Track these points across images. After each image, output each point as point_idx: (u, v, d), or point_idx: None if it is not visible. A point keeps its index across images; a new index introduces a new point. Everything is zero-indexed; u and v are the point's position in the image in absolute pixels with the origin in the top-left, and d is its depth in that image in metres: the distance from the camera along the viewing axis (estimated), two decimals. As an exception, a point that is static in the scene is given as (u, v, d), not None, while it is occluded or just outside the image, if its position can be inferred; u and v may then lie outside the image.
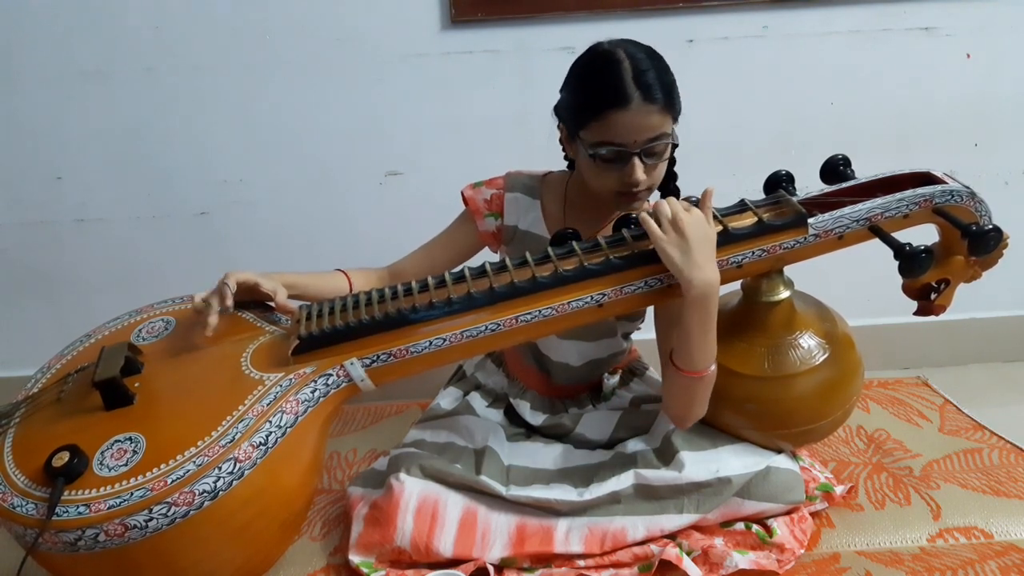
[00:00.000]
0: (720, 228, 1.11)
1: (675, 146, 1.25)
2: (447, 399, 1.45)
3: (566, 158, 1.30)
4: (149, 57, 1.66)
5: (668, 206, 1.08)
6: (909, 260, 1.05)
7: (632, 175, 1.13)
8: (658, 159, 1.15)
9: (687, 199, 1.17)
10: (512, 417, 1.43)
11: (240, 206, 1.79)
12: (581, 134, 1.15)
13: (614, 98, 1.09)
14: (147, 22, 1.64)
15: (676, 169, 1.32)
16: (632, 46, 1.14)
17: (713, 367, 1.14)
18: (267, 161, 1.75)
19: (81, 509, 0.95)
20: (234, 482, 0.99)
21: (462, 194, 1.36)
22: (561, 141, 1.25)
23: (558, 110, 1.21)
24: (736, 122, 1.73)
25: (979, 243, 1.07)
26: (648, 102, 1.09)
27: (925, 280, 1.17)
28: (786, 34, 1.68)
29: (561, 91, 1.20)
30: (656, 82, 1.10)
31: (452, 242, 1.38)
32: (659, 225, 1.07)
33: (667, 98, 1.11)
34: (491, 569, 1.14)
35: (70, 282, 1.86)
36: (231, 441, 1.01)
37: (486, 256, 1.35)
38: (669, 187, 1.33)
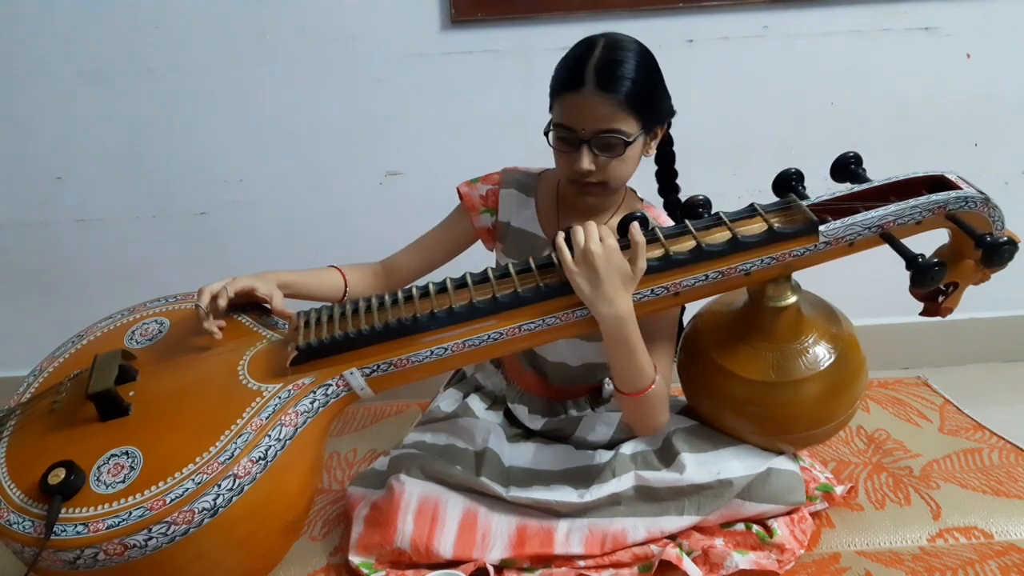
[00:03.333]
0: (661, 252, 1.08)
1: (668, 147, 1.24)
2: (446, 401, 1.45)
3: None
4: (149, 57, 1.66)
5: (581, 234, 1.05)
6: (921, 272, 1.04)
7: (577, 162, 1.12)
8: (610, 154, 1.12)
9: (692, 199, 1.17)
10: (512, 418, 1.42)
11: (239, 206, 1.79)
12: (551, 113, 1.16)
13: (569, 80, 1.10)
14: (147, 22, 1.64)
15: (677, 167, 1.32)
16: (618, 40, 1.12)
17: (655, 384, 1.12)
18: (267, 161, 1.75)
19: (79, 528, 0.94)
20: (234, 498, 0.98)
21: (458, 190, 1.35)
22: None
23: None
24: (736, 122, 1.73)
25: (993, 255, 1.05)
26: (602, 91, 1.08)
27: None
28: (786, 34, 1.68)
29: None
30: (620, 75, 1.08)
31: (446, 237, 1.37)
32: (573, 254, 1.06)
33: (630, 95, 1.08)
34: (491, 570, 1.15)
35: (69, 282, 1.86)
36: (230, 457, 1.00)
37: (482, 257, 1.35)
38: (669, 186, 1.32)
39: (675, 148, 1.29)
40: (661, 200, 1.34)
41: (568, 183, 1.18)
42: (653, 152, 1.22)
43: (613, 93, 1.08)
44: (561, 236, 1.07)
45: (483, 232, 1.36)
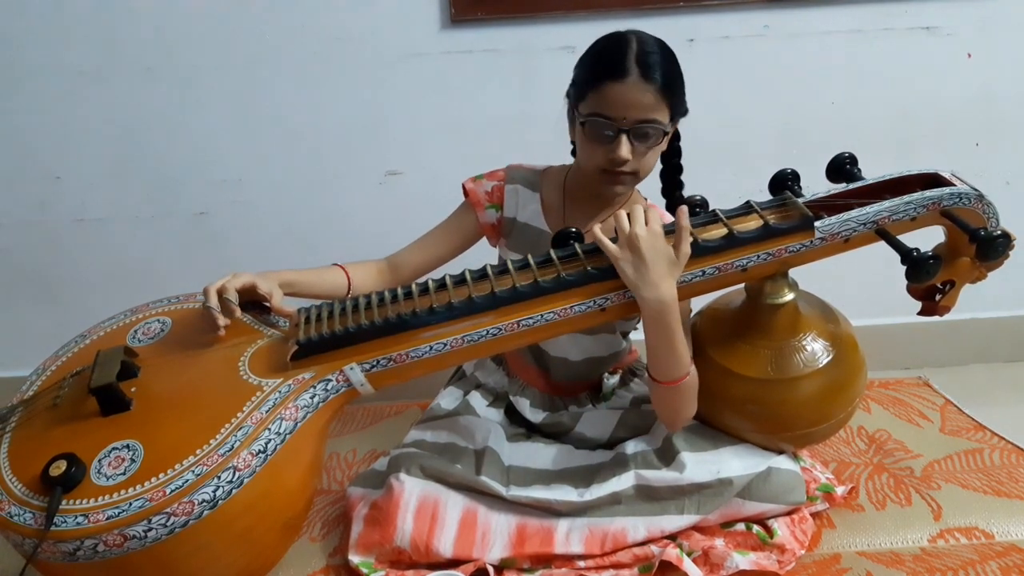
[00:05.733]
0: (692, 240, 1.09)
1: (675, 143, 1.25)
2: (447, 399, 1.45)
3: (573, 151, 1.31)
4: (149, 57, 1.66)
5: (625, 220, 1.07)
6: (916, 266, 1.04)
7: (617, 150, 1.13)
8: (647, 144, 1.15)
9: (689, 199, 1.17)
10: (512, 417, 1.42)
11: (239, 206, 1.79)
12: (580, 107, 1.16)
13: (612, 70, 1.11)
14: (147, 22, 1.64)
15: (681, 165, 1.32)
16: (647, 35, 1.16)
17: (690, 374, 1.14)
18: (266, 161, 1.75)
19: (79, 519, 0.95)
20: (233, 491, 0.99)
21: (463, 186, 1.36)
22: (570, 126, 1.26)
23: (568, 91, 1.22)
24: (737, 121, 1.73)
25: (988, 248, 1.06)
26: (645, 80, 1.10)
27: (931, 282, 1.17)
28: (787, 33, 1.68)
29: (573, 70, 1.21)
30: (658, 66, 1.11)
31: (452, 233, 1.38)
32: (616, 240, 1.07)
33: (666, 85, 1.12)
34: (491, 569, 1.14)
35: (69, 282, 1.86)
36: (230, 450, 1.00)
37: (485, 255, 1.35)
38: (674, 181, 1.33)
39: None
40: (664, 201, 1.34)
41: (599, 173, 1.19)
42: (664, 147, 1.23)
43: (654, 83, 1.11)
44: (598, 226, 1.09)
45: (487, 228, 1.36)
